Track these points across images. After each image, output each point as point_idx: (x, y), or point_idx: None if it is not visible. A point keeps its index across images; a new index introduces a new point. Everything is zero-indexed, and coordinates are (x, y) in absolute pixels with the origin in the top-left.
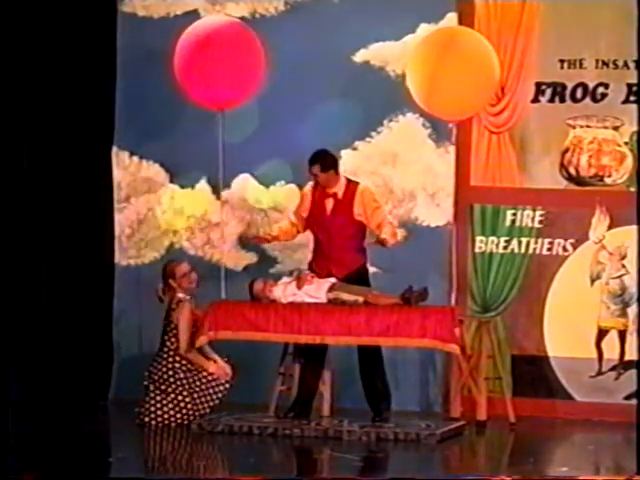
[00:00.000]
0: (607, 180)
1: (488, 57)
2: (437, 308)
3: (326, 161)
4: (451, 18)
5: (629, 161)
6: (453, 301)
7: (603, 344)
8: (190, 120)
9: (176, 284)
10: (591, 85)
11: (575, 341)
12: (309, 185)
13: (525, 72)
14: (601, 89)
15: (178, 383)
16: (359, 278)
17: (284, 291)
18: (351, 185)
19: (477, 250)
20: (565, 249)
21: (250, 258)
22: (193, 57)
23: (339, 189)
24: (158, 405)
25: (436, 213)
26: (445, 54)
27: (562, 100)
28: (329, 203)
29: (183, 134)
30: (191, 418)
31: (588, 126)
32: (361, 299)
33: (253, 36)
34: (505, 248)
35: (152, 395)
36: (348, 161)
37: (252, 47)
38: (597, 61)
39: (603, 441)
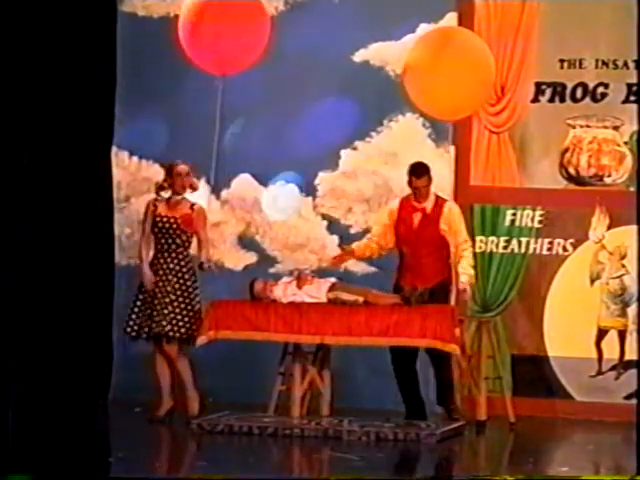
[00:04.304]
0: (607, 180)
1: (484, 57)
2: (437, 308)
3: (429, 173)
4: (451, 18)
5: (629, 161)
6: (453, 301)
7: (603, 344)
8: (190, 120)
9: (170, 182)
10: (591, 85)
11: (575, 341)
12: (397, 201)
13: (525, 72)
14: (601, 89)
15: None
16: (442, 291)
17: (284, 291)
18: (439, 201)
19: (477, 250)
20: (565, 249)
21: (250, 258)
22: (198, 19)
23: (428, 204)
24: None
25: None
26: (440, 54)
27: (562, 100)
28: (416, 217)
29: (183, 134)
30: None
31: (588, 126)
32: (361, 299)
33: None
34: (505, 248)
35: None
36: (348, 161)
37: (259, 12)
38: (597, 61)
39: (603, 441)
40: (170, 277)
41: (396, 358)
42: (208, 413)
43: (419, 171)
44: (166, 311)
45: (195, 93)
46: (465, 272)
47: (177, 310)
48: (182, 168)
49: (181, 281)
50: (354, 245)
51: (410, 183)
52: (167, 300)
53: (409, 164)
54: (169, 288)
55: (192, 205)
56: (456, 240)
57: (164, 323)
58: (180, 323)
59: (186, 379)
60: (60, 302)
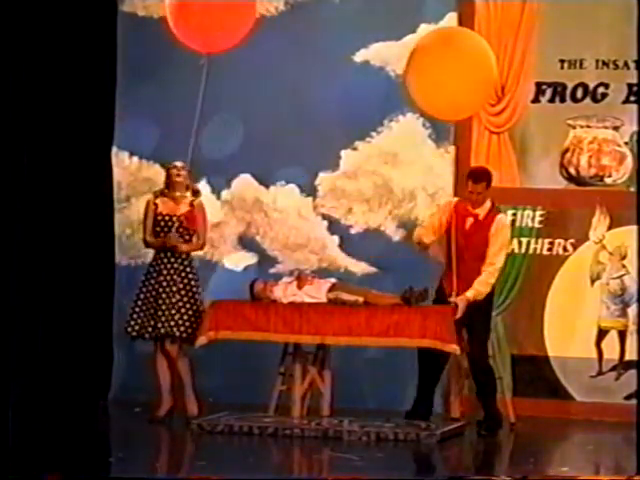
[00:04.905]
0: (607, 180)
1: (485, 57)
2: (437, 308)
3: (490, 179)
4: (451, 18)
5: (629, 161)
6: (453, 301)
7: (603, 344)
8: (190, 121)
9: (168, 181)
10: (591, 85)
11: (575, 341)
12: (454, 201)
13: (525, 72)
14: (601, 89)
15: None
16: (487, 298)
17: (285, 291)
18: (493, 210)
19: None
20: (565, 249)
21: (250, 258)
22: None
23: (482, 211)
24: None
25: None
26: (442, 54)
27: (562, 100)
28: (468, 221)
29: (183, 134)
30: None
31: (588, 126)
32: (361, 299)
33: None
34: None
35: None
36: (348, 161)
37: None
38: (597, 61)
39: (603, 441)
40: (175, 277)
41: (429, 360)
42: (208, 413)
43: (477, 176)
44: (173, 311)
45: (196, 93)
46: (475, 287)
47: (183, 310)
48: (178, 163)
49: (185, 280)
50: (423, 233)
51: (467, 186)
52: (174, 300)
53: (471, 167)
54: (174, 288)
55: (192, 202)
56: (489, 252)
57: (172, 323)
58: (187, 323)
59: (185, 380)
60: (60, 302)
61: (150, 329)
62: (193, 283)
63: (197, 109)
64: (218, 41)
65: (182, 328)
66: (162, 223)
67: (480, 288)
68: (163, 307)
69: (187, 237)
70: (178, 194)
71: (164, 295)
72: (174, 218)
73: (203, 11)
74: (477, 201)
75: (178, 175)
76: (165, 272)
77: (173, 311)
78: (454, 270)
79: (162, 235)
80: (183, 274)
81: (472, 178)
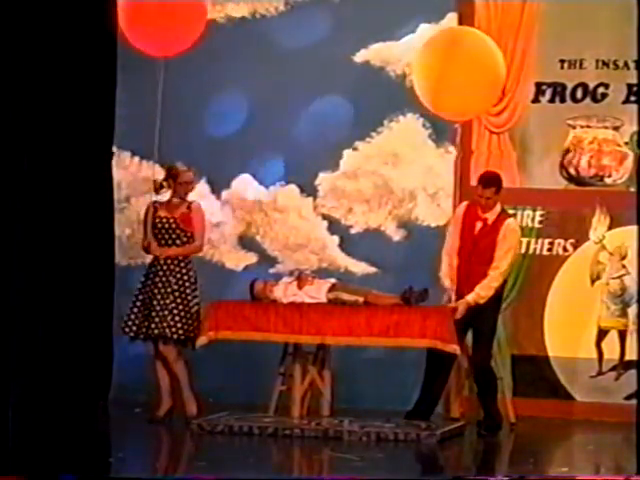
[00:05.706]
0: (607, 180)
1: (494, 58)
2: (437, 308)
3: (500, 185)
4: (451, 18)
5: (629, 161)
6: (453, 301)
7: (603, 344)
8: (190, 120)
9: (172, 186)
10: (591, 85)
11: (575, 341)
12: (463, 205)
13: (525, 72)
14: (601, 89)
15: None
16: (494, 301)
17: (285, 291)
18: (502, 215)
19: None
20: (565, 249)
21: (250, 258)
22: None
23: (491, 215)
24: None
25: (436, 213)
26: (451, 55)
27: (562, 100)
28: (478, 225)
29: (184, 134)
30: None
31: (588, 126)
32: (361, 299)
33: None
34: None
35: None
36: (348, 161)
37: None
38: (597, 61)
39: (603, 441)
40: (170, 278)
41: (437, 360)
42: (208, 413)
43: (487, 181)
44: (166, 312)
45: (195, 92)
46: (476, 291)
47: (175, 312)
48: (188, 176)
49: (180, 282)
50: (448, 279)
51: (476, 190)
52: (167, 301)
53: (482, 172)
54: (169, 289)
55: (189, 204)
56: (495, 255)
57: (165, 325)
58: (178, 324)
59: (183, 382)
60: (60, 302)
61: (144, 330)
62: (188, 285)
63: (157, 110)
64: (170, 45)
65: (174, 329)
66: (159, 225)
67: (482, 292)
68: (157, 308)
69: (185, 239)
70: (179, 200)
71: (159, 296)
72: (171, 220)
73: (154, 16)
74: (487, 205)
75: (186, 193)
76: (161, 274)
77: (166, 312)
78: (455, 272)
79: (159, 237)
80: (179, 275)
81: (482, 183)
